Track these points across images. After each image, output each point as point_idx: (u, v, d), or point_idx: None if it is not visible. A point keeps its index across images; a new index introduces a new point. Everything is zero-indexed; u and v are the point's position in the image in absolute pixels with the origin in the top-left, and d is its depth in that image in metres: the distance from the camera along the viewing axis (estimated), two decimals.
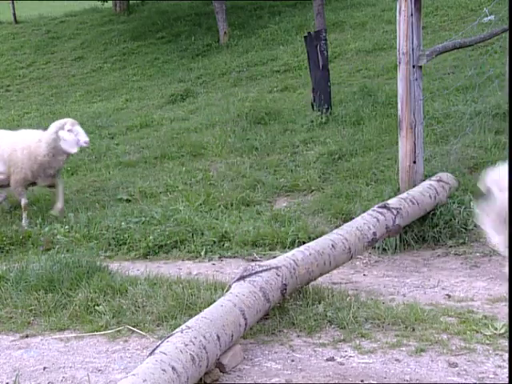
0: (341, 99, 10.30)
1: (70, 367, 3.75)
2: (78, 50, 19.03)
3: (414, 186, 5.83)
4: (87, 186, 8.69)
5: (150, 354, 3.16)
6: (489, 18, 10.47)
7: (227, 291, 3.97)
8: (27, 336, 4.25)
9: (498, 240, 3.43)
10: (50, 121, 13.01)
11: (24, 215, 7.22)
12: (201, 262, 5.90)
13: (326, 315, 4.09)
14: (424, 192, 5.63)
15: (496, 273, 4.99)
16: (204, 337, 3.32)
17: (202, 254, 6.03)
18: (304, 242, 5.47)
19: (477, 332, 3.81)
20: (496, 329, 3.79)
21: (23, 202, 7.23)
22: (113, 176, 8.86)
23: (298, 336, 3.94)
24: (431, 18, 14.41)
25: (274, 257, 4.65)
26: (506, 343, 3.62)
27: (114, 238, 6.37)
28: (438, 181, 5.90)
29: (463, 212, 5.75)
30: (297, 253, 4.44)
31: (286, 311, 4.17)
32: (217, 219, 6.56)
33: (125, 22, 20.47)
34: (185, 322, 3.54)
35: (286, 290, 4.14)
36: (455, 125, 7.74)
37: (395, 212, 5.19)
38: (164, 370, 2.97)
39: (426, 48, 6.13)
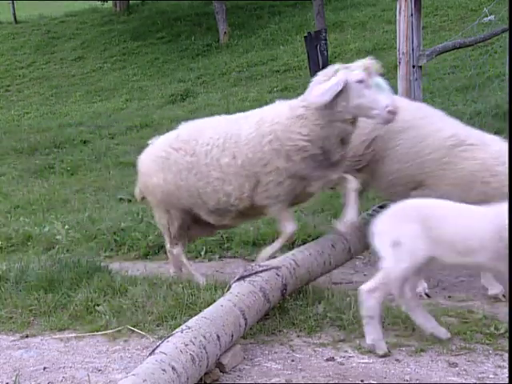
0: None
1: (70, 367, 3.74)
2: (78, 49, 19.04)
3: None
4: (87, 186, 8.69)
5: (150, 354, 3.17)
6: (489, 18, 10.48)
7: (227, 291, 3.97)
8: (27, 336, 4.24)
9: None
10: (50, 121, 13.12)
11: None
12: (201, 262, 5.90)
13: (326, 315, 4.08)
14: None
15: None
16: (204, 337, 3.32)
17: (202, 253, 6.03)
18: (304, 242, 5.47)
19: (477, 332, 3.81)
20: (496, 329, 3.78)
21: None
22: (113, 176, 8.86)
23: (298, 336, 3.94)
24: (431, 18, 14.43)
25: (275, 257, 4.65)
26: (506, 343, 3.61)
27: (114, 238, 6.37)
28: None
29: None
30: (297, 253, 4.44)
31: (285, 311, 4.16)
32: None
33: (125, 22, 20.48)
34: (185, 322, 3.54)
35: (285, 289, 4.13)
36: None
37: None
38: (164, 370, 2.98)
39: (425, 48, 6.13)
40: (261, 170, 4.45)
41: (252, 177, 4.49)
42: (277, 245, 4.71)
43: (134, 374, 2.93)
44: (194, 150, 4.68)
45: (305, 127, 4.29)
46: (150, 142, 5.11)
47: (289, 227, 4.60)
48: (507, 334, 3.69)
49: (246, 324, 3.71)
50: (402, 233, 3.54)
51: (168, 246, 5.15)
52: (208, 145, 4.63)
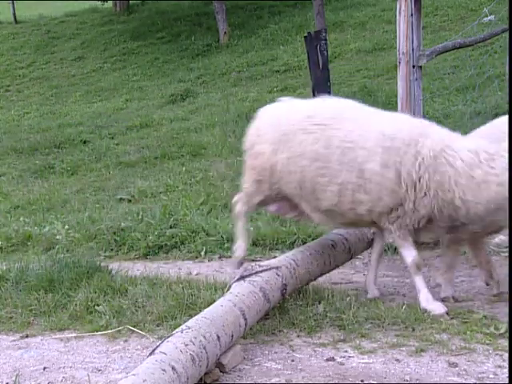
0: None
1: (70, 367, 3.75)
2: (78, 50, 19.03)
3: None
4: (87, 186, 8.70)
5: (150, 353, 3.17)
6: (489, 18, 10.48)
7: (227, 291, 3.97)
8: (27, 336, 4.24)
9: None
10: (50, 121, 13.11)
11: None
12: (201, 262, 5.90)
13: (326, 315, 4.09)
14: None
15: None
16: (204, 337, 3.32)
17: (202, 253, 6.03)
18: (304, 242, 5.47)
19: (477, 332, 3.81)
20: (496, 329, 3.78)
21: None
22: (113, 176, 8.87)
23: (298, 336, 3.94)
24: (431, 18, 14.43)
25: (274, 257, 4.65)
26: (506, 343, 3.62)
27: (114, 238, 6.37)
28: None
29: None
30: (297, 253, 4.45)
31: (285, 311, 4.17)
32: (217, 219, 6.55)
33: (125, 22, 20.47)
34: (185, 322, 3.54)
35: (285, 289, 4.14)
36: (455, 125, 7.74)
37: None
38: (164, 370, 2.98)
39: (425, 48, 6.14)
40: (410, 195, 3.91)
41: (399, 197, 3.94)
42: (416, 281, 4.21)
43: (134, 374, 2.93)
44: (329, 142, 3.97)
45: (466, 177, 3.84)
46: (279, 99, 4.45)
47: (409, 257, 4.16)
48: (507, 334, 3.69)
49: (245, 324, 3.71)
50: None
51: (236, 198, 4.60)
52: (351, 142, 3.95)
